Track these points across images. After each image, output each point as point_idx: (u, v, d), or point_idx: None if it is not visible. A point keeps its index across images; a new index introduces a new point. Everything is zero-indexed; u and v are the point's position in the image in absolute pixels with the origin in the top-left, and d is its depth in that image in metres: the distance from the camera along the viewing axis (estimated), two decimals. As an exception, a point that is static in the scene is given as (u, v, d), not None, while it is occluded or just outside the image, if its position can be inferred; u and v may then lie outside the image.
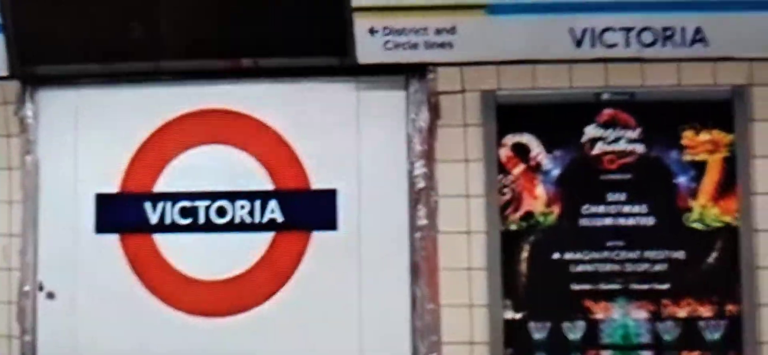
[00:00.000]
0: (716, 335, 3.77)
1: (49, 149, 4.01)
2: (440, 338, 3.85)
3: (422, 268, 3.85)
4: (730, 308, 3.76)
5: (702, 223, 3.82)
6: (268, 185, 3.94)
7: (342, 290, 3.88)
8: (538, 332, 3.84)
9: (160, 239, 3.93)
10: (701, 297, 3.78)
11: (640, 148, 3.85)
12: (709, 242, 3.80)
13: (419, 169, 3.87)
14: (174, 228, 3.92)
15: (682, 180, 3.83)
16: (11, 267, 3.99)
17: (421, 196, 3.88)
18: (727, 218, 3.79)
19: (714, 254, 3.80)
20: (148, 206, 3.94)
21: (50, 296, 3.93)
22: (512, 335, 3.84)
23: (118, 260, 3.94)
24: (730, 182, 3.82)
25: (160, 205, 3.94)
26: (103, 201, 3.98)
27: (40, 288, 3.94)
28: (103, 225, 3.96)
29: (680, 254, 3.80)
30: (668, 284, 3.79)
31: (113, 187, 3.98)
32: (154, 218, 3.93)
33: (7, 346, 3.99)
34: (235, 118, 3.94)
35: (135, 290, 3.92)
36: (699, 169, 3.83)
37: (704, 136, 3.84)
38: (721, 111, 3.83)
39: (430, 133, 3.89)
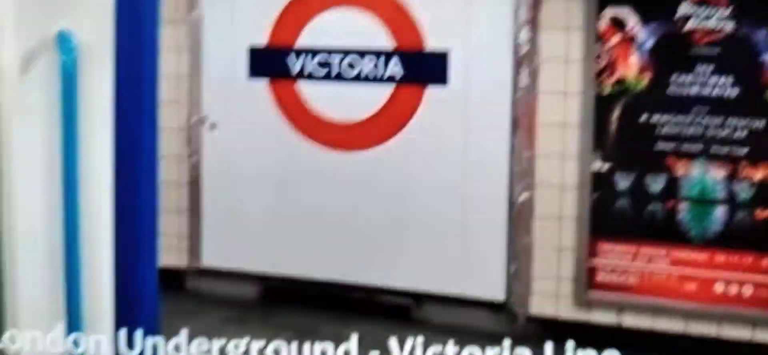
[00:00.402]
0: None
1: (211, 6, 4.35)
2: (534, 181, 4.09)
3: (522, 122, 4.08)
4: None
5: None
6: (391, 44, 4.16)
7: (450, 137, 4.15)
8: (623, 181, 3.99)
9: (301, 86, 4.26)
10: None
11: (729, 26, 3.83)
12: None
13: (524, 34, 4.06)
14: (313, 77, 4.23)
15: (767, 58, 3.83)
16: (179, 101, 4.42)
17: (525, 59, 4.06)
18: (808, 96, 3.66)
19: None
20: (291, 57, 4.25)
21: (212, 126, 4.34)
22: (599, 183, 4.01)
23: (267, 101, 4.31)
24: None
25: (301, 57, 4.22)
26: (255, 52, 4.30)
27: (204, 121, 4.35)
28: (255, 71, 4.30)
29: (760, 124, 3.85)
30: (746, 149, 3.87)
31: (263, 40, 4.29)
32: (296, 68, 4.24)
33: (177, 165, 4.44)
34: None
35: (280, 126, 4.29)
36: None
37: None
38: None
39: (536, 2, 4.03)
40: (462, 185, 4.16)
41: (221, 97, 4.40)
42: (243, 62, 4.38)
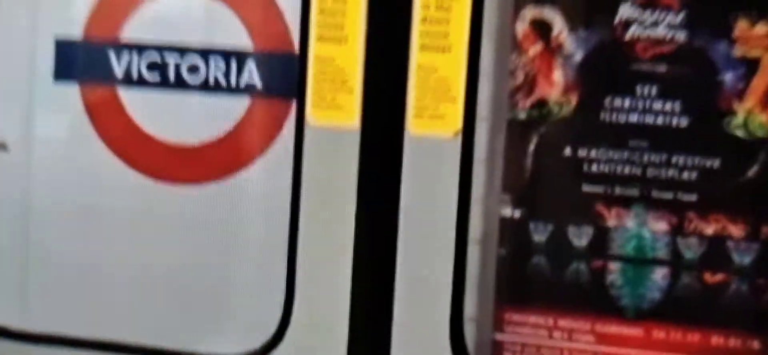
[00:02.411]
0: (746, 259, 2.59)
1: (7, -16, 2.48)
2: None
3: None
4: (765, 230, 2.56)
5: (745, 130, 2.57)
6: (248, 44, 2.72)
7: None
8: (539, 233, 2.67)
9: (125, 94, 2.75)
10: (734, 214, 2.58)
11: (681, 36, 2.56)
12: (752, 152, 2.55)
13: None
14: (141, 83, 2.73)
15: (728, 77, 2.55)
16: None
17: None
18: (777, 129, 2.29)
19: (755, 167, 2.56)
20: (112, 55, 2.73)
21: (1, 146, 2.82)
22: (508, 234, 2.69)
23: (78, 114, 2.77)
24: (789, 86, 2.28)
25: (125, 55, 2.71)
26: (63, 47, 2.78)
27: (-10, 138, 2.51)
28: (62, 73, 2.77)
29: (715, 163, 2.59)
30: (696, 195, 2.60)
31: (75, 31, 2.77)
32: (119, 70, 2.73)
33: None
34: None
35: (94, 148, 2.77)
36: (750, 67, 2.54)
37: (761, 28, 2.54)
38: (787, -1, 2.25)
39: None
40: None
41: (14, 107, 2.77)
42: (47, 60, 2.78)
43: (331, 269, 2.41)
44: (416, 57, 2.35)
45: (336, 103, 2.38)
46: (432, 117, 2.37)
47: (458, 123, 2.38)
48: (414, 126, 2.39)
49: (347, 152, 2.38)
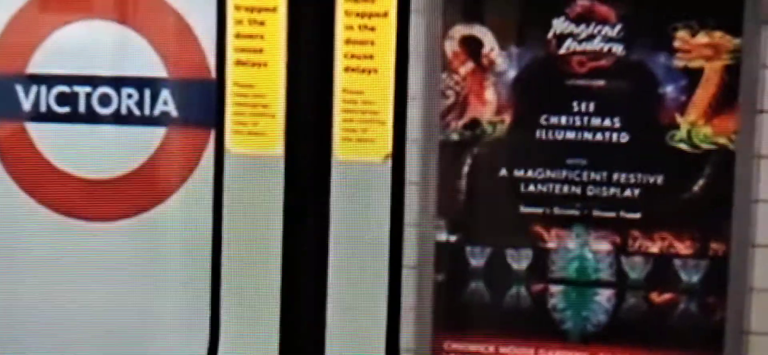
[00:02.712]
0: (695, 278, 2.45)
1: None
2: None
3: None
4: (714, 246, 2.42)
5: (689, 143, 2.42)
6: (161, 72, 2.50)
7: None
8: (476, 257, 2.52)
9: (34, 129, 2.53)
10: (680, 231, 2.44)
11: (618, 48, 2.41)
12: (697, 166, 2.42)
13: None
14: (50, 117, 2.50)
15: (669, 90, 2.40)
16: None
17: None
18: (722, 140, 2.39)
19: (700, 182, 2.41)
20: (19, 88, 2.49)
21: None
22: (445, 259, 2.54)
23: None
24: (731, 96, 2.36)
25: (33, 89, 2.48)
26: None
27: None
28: None
29: (658, 179, 2.43)
30: (639, 213, 2.45)
31: None
32: (26, 104, 2.50)
33: None
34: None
35: (3, 186, 2.53)
36: (692, 78, 2.40)
37: (702, 38, 2.38)
38: (726, 8, 2.38)
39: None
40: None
41: None
42: None
43: (258, 303, 2.21)
44: (341, 79, 2.14)
45: (258, 130, 2.16)
46: (360, 140, 2.16)
47: (388, 146, 2.17)
48: (341, 151, 2.18)
49: (271, 180, 2.17)
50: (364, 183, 2.20)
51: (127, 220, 2.46)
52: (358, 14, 2.12)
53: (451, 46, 2.37)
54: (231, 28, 2.17)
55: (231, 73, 2.17)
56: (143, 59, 2.44)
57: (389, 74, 2.19)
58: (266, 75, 2.20)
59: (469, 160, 2.40)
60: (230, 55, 2.17)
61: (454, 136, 2.39)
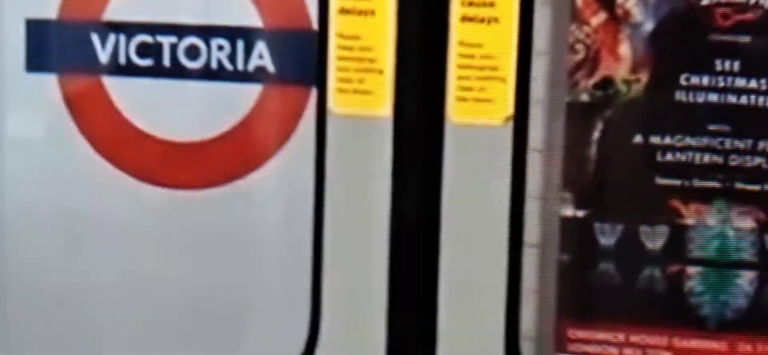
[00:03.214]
0: None
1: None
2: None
3: None
4: None
5: None
6: (255, 21, 2.58)
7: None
8: (606, 236, 2.59)
9: (112, 84, 2.61)
10: None
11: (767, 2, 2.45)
12: None
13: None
14: (130, 70, 2.59)
15: None
16: None
17: None
18: None
19: None
20: (95, 38, 2.59)
21: None
22: (571, 238, 2.60)
23: (56, 107, 2.62)
24: None
25: (111, 38, 2.58)
26: (36, 29, 2.62)
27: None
28: (36, 61, 2.63)
29: None
30: None
31: (50, 11, 2.61)
32: (103, 56, 2.59)
33: None
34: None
35: (77, 147, 2.62)
36: None
37: None
38: None
39: None
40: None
41: None
42: (17, 45, 2.62)
43: (364, 279, 2.29)
44: (457, 31, 2.22)
45: (364, 88, 2.24)
46: (478, 100, 2.24)
47: (509, 107, 2.26)
48: (456, 112, 2.26)
49: (379, 145, 2.25)
50: (482, 149, 2.29)
51: (217, 188, 2.55)
52: None
53: (581, -6, 2.44)
54: None
55: (334, 22, 2.25)
56: (235, 6, 2.51)
57: (512, 25, 2.27)
58: (374, 25, 2.28)
59: (600, 125, 2.47)
60: (333, 2, 2.24)
61: (584, 97, 2.47)
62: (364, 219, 2.28)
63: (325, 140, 2.25)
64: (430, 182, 2.25)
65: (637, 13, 2.48)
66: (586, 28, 2.50)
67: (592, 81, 2.51)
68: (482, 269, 2.32)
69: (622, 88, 2.50)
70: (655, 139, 2.49)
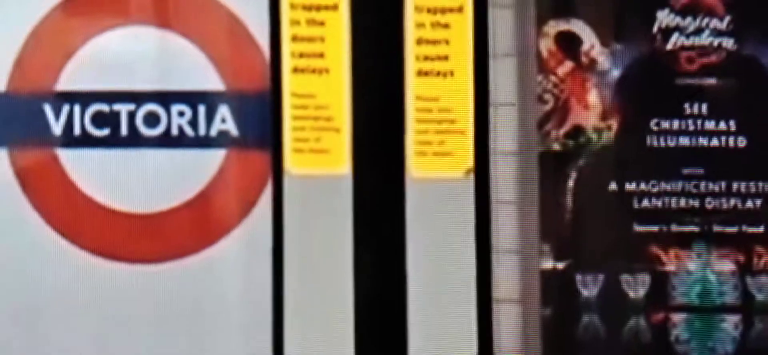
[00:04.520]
0: None
1: None
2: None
3: None
4: None
5: None
6: (217, 84, 2.63)
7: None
8: (588, 287, 2.69)
9: (67, 156, 2.62)
10: None
11: (729, 43, 2.65)
12: None
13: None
14: (86, 141, 2.61)
15: None
16: None
17: None
18: None
19: None
20: (48, 109, 2.62)
21: None
22: (552, 291, 2.69)
23: (8, 184, 2.61)
24: None
25: (65, 108, 2.61)
26: None
27: None
28: None
29: None
30: (763, 226, 2.63)
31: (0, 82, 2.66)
32: (57, 128, 2.62)
33: None
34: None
35: (31, 225, 2.61)
36: None
37: None
38: None
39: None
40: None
41: None
42: None
43: (329, 344, 2.22)
44: (413, 85, 2.22)
45: (321, 147, 2.21)
46: (437, 154, 2.23)
47: (469, 159, 2.25)
48: (416, 167, 2.24)
49: (338, 204, 2.22)
50: (444, 203, 2.28)
51: (179, 260, 2.47)
52: (429, 10, 2.23)
53: (545, 44, 2.51)
54: (287, 30, 2.26)
55: (288, 81, 2.25)
56: (195, 70, 2.49)
57: (468, 77, 2.30)
58: (328, 83, 2.28)
59: (573, 174, 2.56)
60: (287, 62, 2.25)
61: (556, 147, 2.51)
62: (326, 282, 2.22)
63: (282, 202, 2.21)
64: (392, 238, 2.21)
65: (602, 61, 2.59)
66: (553, 78, 2.55)
67: (562, 130, 2.60)
68: (452, 325, 2.27)
69: (594, 136, 2.58)
70: (630, 186, 2.57)
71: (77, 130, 2.63)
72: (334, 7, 2.32)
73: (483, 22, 2.38)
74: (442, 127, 2.31)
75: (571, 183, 2.70)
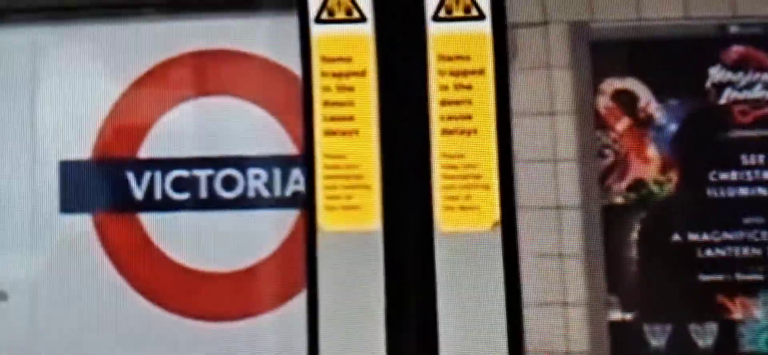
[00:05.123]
0: None
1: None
2: (524, 347, 2.54)
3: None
4: None
5: None
6: (290, 148, 2.78)
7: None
8: (656, 337, 2.75)
9: (149, 220, 2.76)
10: None
11: None
12: None
13: None
14: (167, 205, 2.76)
15: None
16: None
17: None
18: None
19: None
20: (130, 176, 2.78)
21: (1, 296, 2.75)
22: (621, 342, 2.75)
23: (92, 248, 2.75)
24: None
25: (146, 175, 2.77)
26: (70, 170, 2.78)
27: (-14, 287, 2.89)
28: (71, 202, 2.77)
29: None
30: None
31: (84, 152, 2.79)
32: (139, 193, 2.78)
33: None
34: (241, 61, 2.80)
35: (115, 287, 2.73)
36: None
37: None
38: None
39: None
40: None
41: (15, 247, 2.76)
42: (51, 188, 2.77)
43: None
44: (439, 143, 2.34)
45: (352, 204, 2.34)
46: (464, 208, 2.34)
47: (495, 214, 2.36)
48: (444, 222, 2.35)
49: (369, 259, 2.32)
50: (471, 256, 2.37)
51: (256, 317, 2.59)
52: (451, 73, 2.38)
53: (603, 102, 2.63)
54: (318, 96, 2.41)
55: (320, 143, 2.39)
56: (269, 136, 2.65)
57: (491, 133, 2.42)
58: (358, 144, 2.42)
59: (637, 226, 2.61)
60: (319, 125, 2.39)
61: (619, 200, 2.60)
62: (360, 338, 2.32)
63: (316, 259, 2.32)
64: (425, 294, 2.30)
65: (659, 117, 2.67)
66: (612, 134, 2.66)
67: (624, 184, 2.67)
68: None
69: (655, 188, 2.65)
70: (693, 236, 2.63)
71: (158, 195, 2.74)
72: (362, 74, 2.46)
73: (504, 82, 2.50)
74: (467, 182, 2.41)
75: (635, 235, 2.76)
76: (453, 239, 2.38)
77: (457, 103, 2.40)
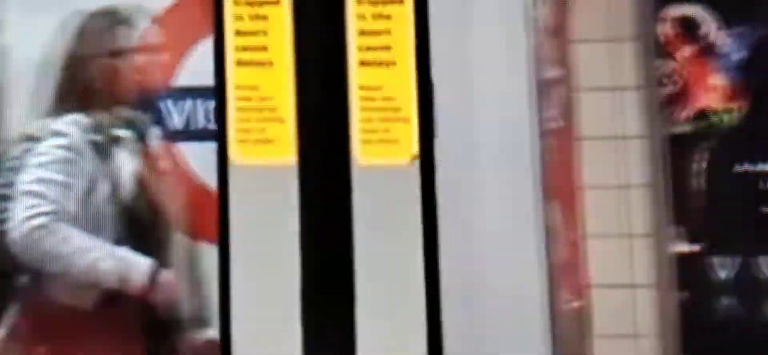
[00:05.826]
0: None
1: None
2: (586, 280, 2.68)
3: (555, 187, 2.63)
4: None
5: None
6: None
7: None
8: (723, 269, 2.67)
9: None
10: None
11: None
12: None
13: (546, 51, 2.69)
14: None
15: None
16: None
17: (550, 89, 2.69)
18: None
19: None
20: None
21: None
22: (687, 274, 2.67)
23: None
24: None
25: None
26: None
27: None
28: None
29: None
30: None
31: None
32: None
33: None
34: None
35: None
36: None
37: None
38: None
39: (562, 2, 2.72)
40: (465, 287, 2.49)
41: None
42: None
43: (276, 335, 2.17)
44: (356, 75, 2.25)
45: (265, 137, 2.24)
46: (382, 142, 2.24)
47: (414, 147, 2.25)
48: (362, 155, 2.25)
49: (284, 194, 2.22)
50: (388, 190, 2.27)
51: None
52: (370, 2, 2.30)
53: (663, 29, 2.56)
54: (230, 25, 2.31)
55: (232, 74, 2.30)
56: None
57: (409, 66, 2.32)
58: (272, 75, 2.33)
59: (701, 157, 2.52)
60: (231, 55, 2.30)
61: (682, 130, 2.52)
62: (274, 271, 2.21)
63: (227, 193, 2.22)
64: (339, 227, 2.20)
65: (723, 44, 2.58)
66: (673, 63, 2.59)
67: (686, 113, 2.57)
68: (398, 314, 2.23)
69: (721, 117, 2.56)
70: (761, 166, 2.52)
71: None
72: (277, 2, 2.39)
73: (424, 12, 2.42)
74: (386, 115, 2.34)
75: (699, 165, 2.68)
76: (371, 172, 2.29)
77: (376, 33, 2.32)
